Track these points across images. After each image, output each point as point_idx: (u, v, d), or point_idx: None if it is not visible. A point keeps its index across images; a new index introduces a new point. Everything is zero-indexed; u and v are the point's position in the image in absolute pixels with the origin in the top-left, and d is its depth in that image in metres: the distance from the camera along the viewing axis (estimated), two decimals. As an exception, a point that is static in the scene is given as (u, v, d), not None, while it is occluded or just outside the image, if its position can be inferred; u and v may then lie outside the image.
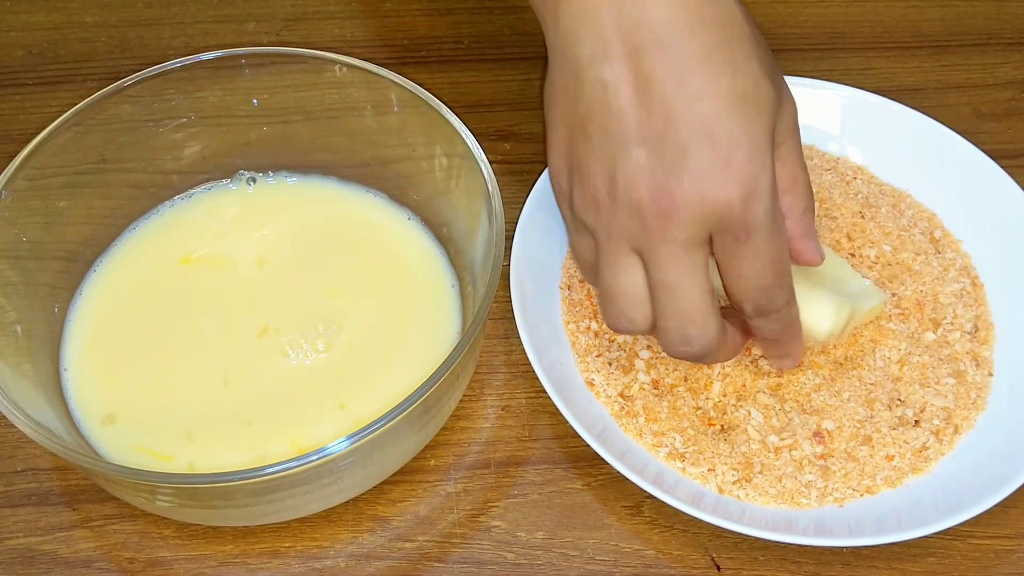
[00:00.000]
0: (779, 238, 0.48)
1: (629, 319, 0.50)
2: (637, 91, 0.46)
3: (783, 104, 0.49)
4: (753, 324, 0.51)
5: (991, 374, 0.57)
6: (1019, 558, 0.53)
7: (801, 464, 0.54)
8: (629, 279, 0.49)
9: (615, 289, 0.49)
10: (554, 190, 0.52)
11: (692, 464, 0.54)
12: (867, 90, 0.66)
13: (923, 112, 0.65)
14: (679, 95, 0.46)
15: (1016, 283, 0.60)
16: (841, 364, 0.57)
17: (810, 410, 0.55)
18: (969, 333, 0.59)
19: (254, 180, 0.63)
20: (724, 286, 0.49)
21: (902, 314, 0.59)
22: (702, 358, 0.51)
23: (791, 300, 0.51)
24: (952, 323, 0.59)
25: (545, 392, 0.54)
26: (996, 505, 0.51)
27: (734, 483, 0.53)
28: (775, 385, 0.56)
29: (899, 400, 0.56)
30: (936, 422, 0.55)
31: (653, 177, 0.46)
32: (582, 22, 0.47)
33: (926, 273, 0.61)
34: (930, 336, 0.58)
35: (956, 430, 0.55)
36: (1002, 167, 0.62)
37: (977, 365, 0.58)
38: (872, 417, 0.55)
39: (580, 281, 0.61)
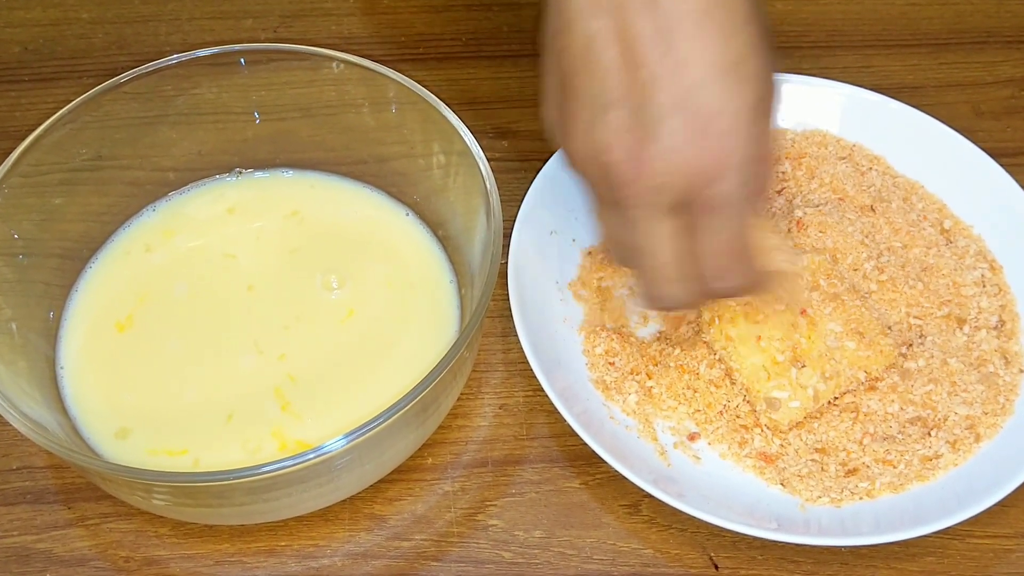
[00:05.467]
0: (741, 220, 0.47)
1: (618, 258, 0.51)
2: (623, 49, 0.44)
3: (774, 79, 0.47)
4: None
5: (1022, 370, 0.57)
6: (1018, 558, 0.53)
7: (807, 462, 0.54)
8: (612, 227, 0.49)
9: (606, 228, 0.50)
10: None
11: (686, 458, 0.54)
12: (866, 88, 0.66)
13: (922, 110, 0.65)
14: (665, 58, 0.44)
15: None
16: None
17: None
18: (995, 328, 0.58)
19: (251, 175, 0.63)
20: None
21: (928, 314, 0.58)
22: (671, 310, 0.54)
23: (746, 285, 0.49)
24: (977, 318, 0.58)
25: (543, 390, 0.53)
26: (995, 504, 0.51)
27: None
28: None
29: (924, 412, 0.55)
30: (957, 431, 0.55)
31: (626, 142, 0.45)
32: None
33: (942, 265, 0.60)
34: (960, 339, 0.58)
35: (977, 439, 0.54)
36: (1001, 165, 0.62)
37: (1007, 363, 0.57)
38: (890, 433, 0.55)
39: (579, 279, 0.60)
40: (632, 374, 0.57)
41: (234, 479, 0.45)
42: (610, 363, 0.57)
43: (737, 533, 0.51)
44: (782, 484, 0.53)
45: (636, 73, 0.44)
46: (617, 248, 0.50)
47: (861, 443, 0.54)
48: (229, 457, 0.52)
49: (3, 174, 0.54)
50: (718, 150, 0.44)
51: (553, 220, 0.61)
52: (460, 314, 0.57)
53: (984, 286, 0.59)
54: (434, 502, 0.55)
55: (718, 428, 0.55)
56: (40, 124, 0.56)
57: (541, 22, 0.49)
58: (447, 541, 0.53)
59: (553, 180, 0.61)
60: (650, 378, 0.56)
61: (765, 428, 0.54)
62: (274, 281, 0.59)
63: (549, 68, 0.48)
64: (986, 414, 0.55)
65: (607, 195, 0.47)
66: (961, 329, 0.58)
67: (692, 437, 0.55)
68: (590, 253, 0.62)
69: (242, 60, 0.60)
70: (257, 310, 0.58)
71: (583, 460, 0.56)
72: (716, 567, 0.53)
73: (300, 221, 0.61)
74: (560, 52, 0.46)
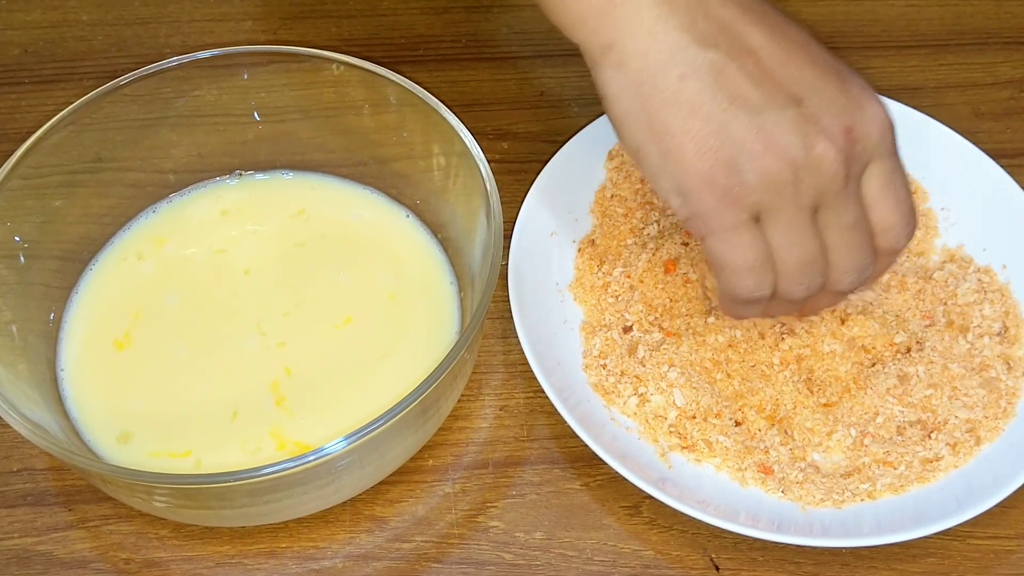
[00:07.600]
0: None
1: (855, 268, 0.50)
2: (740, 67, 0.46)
3: None
4: (882, 266, 0.51)
5: None
6: (1019, 559, 0.53)
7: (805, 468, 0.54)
8: (813, 241, 0.48)
9: (810, 254, 0.48)
10: (698, 201, 0.47)
11: (686, 461, 0.54)
12: (866, 89, 0.66)
13: (922, 111, 0.65)
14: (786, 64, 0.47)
15: None
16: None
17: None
18: (998, 335, 0.58)
19: (251, 177, 0.63)
20: (879, 224, 0.49)
21: (931, 324, 0.58)
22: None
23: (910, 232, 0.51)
24: (980, 326, 0.58)
25: (543, 392, 0.53)
26: (996, 505, 0.51)
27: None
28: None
29: (924, 415, 0.55)
30: (957, 434, 0.54)
31: (826, 122, 0.46)
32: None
33: (941, 276, 0.60)
34: (962, 346, 0.57)
35: (978, 441, 0.54)
36: (1001, 166, 0.62)
37: (1009, 368, 0.57)
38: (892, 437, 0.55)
39: (578, 279, 0.60)
40: (623, 375, 0.56)
41: (235, 481, 0.45)
42: (602, 365, 0.57)
43: (738, 534, 0.51)
44: (783, 492, 0.53)
45: (785, 70, 0.46)
46: (811, 264, 0.48)
47: (861, 445, 0.54)
48: (230, 458, 0.52)
49: (3, 176, 0.54)
50: (876, 98, 0.48)
51: (553, 221, 0.61)
52: (460, 316, 0.57)
53: (985, 293, 0.59)
54: (435, 504, 0.55)
55: (710, 440, 0.55)
56: (40, 126, 0.56)
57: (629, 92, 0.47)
58: (448, 543, 0.53)
59: (553, 182, 0.61)
60: (641, 383, 0.56)
61: (760, 441, 0.54)
62: (272, 267, 0.59)
63: (686, 131, 0.46)
64: (987, 417, 0.55)
65: (813, 196, 0.47)
66: (964, 337, 0.58)
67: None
68: (579, 250, 0.61)
69: (242, 62, 0.60)
70: (257, 292, 0.58)
71: (584, 461, 0.56)
72: (717, 568, 0.53)
73: (306, 220, 0.61)
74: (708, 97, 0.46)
